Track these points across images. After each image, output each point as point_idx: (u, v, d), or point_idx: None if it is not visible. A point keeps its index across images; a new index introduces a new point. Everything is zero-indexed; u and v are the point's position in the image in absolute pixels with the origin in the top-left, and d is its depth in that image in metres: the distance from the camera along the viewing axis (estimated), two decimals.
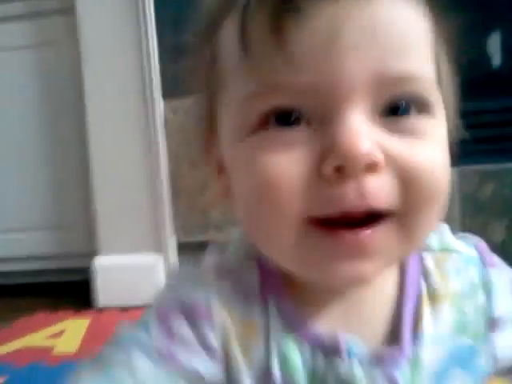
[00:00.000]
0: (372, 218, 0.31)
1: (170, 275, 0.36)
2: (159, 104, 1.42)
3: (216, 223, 1.43)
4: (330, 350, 0.35)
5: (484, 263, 0.40)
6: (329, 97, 0.30)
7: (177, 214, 1.45)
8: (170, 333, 0.35)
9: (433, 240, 0.39)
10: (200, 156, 0.40)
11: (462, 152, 1.42)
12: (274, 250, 0.34)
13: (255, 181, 0.32)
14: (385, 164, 0.30)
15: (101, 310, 1.42)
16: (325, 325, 0.36)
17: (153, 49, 1.40)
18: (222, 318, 0.36)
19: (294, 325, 0.36)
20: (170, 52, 1.40)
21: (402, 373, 0.35)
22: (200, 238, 1.44)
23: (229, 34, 0.34)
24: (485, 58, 1.40)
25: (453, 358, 0.37)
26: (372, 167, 0.30)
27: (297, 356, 0.35)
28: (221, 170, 0.38)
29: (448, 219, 0.56)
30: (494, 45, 1.40)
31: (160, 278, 1.43)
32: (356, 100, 0.30)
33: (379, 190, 0.30)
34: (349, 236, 0.31)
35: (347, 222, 0.31)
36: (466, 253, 0.40)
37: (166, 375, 0.34)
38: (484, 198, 1.35)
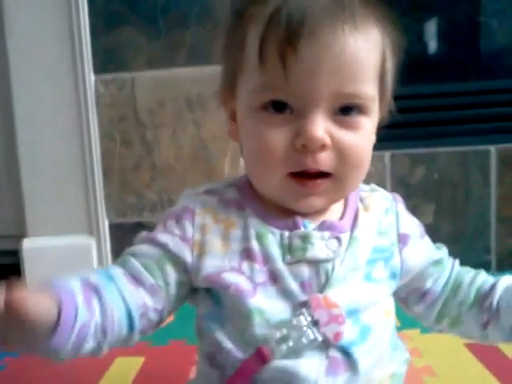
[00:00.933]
0: (321, 175, 0.53)
1: (181, 194, 0.61)
2: (90, 78, 1.36)
3: (151, 204, 1.40)
4: (291, 227, 0.55)
5: (395, 200, 0.62)
6: (305, 100, 0.50)
7: (109, 195, 1.41)
8: (164, 228, 0.57)
9: (365, 186, 0.62)
10: (218, 106, 0.60)
11: (394, 136, 1.46)
12: (265, 189, 0.56)
13: (256, 145, 0.53)
14: (331, 145, 0.51)
15: None
16: (289, 216, 0.55)
17: (83, 19, 1.33)
18: (203, 218, 0.56)
19: (267, 220, 0.56)
20: (102, 23, 1.35)
21: (343, 236, 0.55)
22: (134, 219, 1.40)
23: (253, 37, 0.52)
24: (417, 43, 1.43)
25: (378, 252, 0.57)
26: (323, 147, 0.51)
27: (270, 235, 0.55)
28: (233, 118, 0.57)
29: None
30: (428, 31, 1.44)
31: (93, 261, 1.39)
32: (320, 105, 0.50)
33: (325, 160, 0.52)
34: (309, 182, 0.53)
35: (309, 177, 0.53)
36: (385, 193, 0.63)
37: (158, 253, 0.55)
38: (415, 181, 1.39)
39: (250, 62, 0.53)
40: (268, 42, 0.50)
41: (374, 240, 0.58)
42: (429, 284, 0.63)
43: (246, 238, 0.55)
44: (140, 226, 1.39)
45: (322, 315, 0.52)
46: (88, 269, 0.51)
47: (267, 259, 0.54)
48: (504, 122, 1.38)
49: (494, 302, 0.59)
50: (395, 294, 0.61)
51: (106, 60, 1.36)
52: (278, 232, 0.55)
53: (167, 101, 1.37)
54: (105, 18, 1.34)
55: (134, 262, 0.55)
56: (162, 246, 0.55)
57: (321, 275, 0.54)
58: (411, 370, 0.87)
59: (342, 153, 0.52)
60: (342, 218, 0.58)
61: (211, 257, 0.54)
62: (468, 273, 0.64)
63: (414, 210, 1.44)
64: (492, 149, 1.37)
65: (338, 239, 0.55)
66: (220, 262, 0.54)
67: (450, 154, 1.38)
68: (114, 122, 1.39)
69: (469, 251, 1.40)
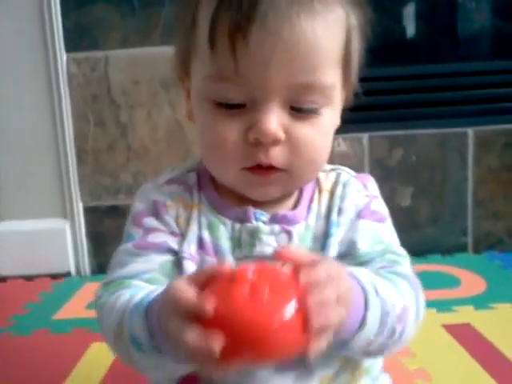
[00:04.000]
0: (274, 168, 0.51)
1: (139, 191, 0.59)
2: (62, 57, 1.33)
3: (126, 187, 1.38)
4: (243, 219, 0.53)
5: (359, 180, 0.58)
6: (258, 92, 0.48)
7: (83, 177, 1.39)
8: (145, 229, 0.55)
9: (328, 166, 0.59)
10: (175, 81, 0.57)
11: (373, 118, 1.45)
12: (222, 178, 0.54)
13: (209, 137, 0.51)
14: (285, 139, 0.49)
15: (5, 280, 1.35)
16: (240, 205, 0.54)
17: None
18: (175, 208, 0.55)
19: (219, 209, 0.55)
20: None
21: (296, 228, 0.53)
22: (109, 202, 1.38)
23: (204, 18, 0.48)
24: (396, 25, 1.42)
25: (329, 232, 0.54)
26: (275, 142, 0.49)
27: (221, 227, 0.54)
28: (189, 96, 0.55)
29: None
30: (407, 13, 1.43)
31: (67, 245, 1.38)
32: (274, 97, 0.48)
33: (278, 156, 0.50)
34: (263, 172, 0.51)
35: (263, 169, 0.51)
36: (348, 171, 0.59)
37: (155, 257, 0.53)
38: (393, 163, 1.39)
39: (201, 44, 0.49)
40: (218, 26, 0.47)
41: (323, 220, 0.54)
42: None
43: (199, 223, 0.54)
44: (115, 209, 1.37)
45: None
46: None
47: (217, 252, 0.53)
48: (481, 104, 1.38)
49: None
50: None
51: (78, 38, 1.33)
52: (229, 223, 0.54)
53: (142, 81, 1.34)
54: None
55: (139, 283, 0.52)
56: (161, 248, 0.54)
57: None
58: (403, 374, 0.84)
59: (296, 148, 0.50)
60: (296, 206, 0.55)
61: (187, 244, 0.54)
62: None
63: (392, 192, 1.44)
64: (469, 131, 1.38)
65: (289, 233, 0.53)
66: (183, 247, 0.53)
67: (428, 136, 1.38)
68: (88, 102, 1.36)
69: (446, 233, 1.41)
